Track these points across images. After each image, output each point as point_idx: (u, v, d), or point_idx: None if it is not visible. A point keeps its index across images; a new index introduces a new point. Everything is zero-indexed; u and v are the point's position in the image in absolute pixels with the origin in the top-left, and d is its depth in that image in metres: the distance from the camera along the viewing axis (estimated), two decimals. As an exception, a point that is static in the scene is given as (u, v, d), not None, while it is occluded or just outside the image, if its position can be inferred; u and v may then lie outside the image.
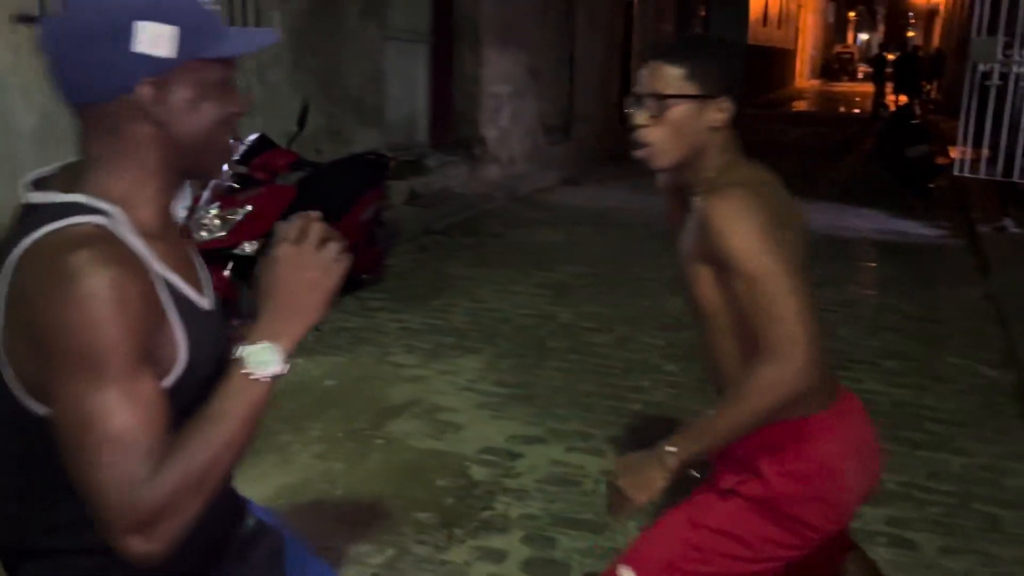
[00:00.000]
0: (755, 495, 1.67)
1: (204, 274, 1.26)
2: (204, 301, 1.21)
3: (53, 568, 1.17)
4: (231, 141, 4.70)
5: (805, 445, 1.66)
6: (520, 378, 4.35)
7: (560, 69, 11.87)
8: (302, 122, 4.92)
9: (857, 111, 24.36)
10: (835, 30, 49.90)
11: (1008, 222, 7.56)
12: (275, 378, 1.11)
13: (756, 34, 25.70)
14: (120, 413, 1.02)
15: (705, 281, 1.64)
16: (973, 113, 7.54)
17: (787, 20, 31.41)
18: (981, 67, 7.43)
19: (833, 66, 43.98)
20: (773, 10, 28.49)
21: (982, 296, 5.86)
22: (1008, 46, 7.32)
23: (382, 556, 2.84)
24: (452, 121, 9.64)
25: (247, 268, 4.52)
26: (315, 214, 1.18)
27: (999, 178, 7.51)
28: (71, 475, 1.04)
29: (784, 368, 1.46)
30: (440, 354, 4.65)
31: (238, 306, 4.41)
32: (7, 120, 4.47)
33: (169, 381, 1.12)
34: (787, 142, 15.79)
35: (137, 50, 1.07)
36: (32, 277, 1.04)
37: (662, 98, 1.61)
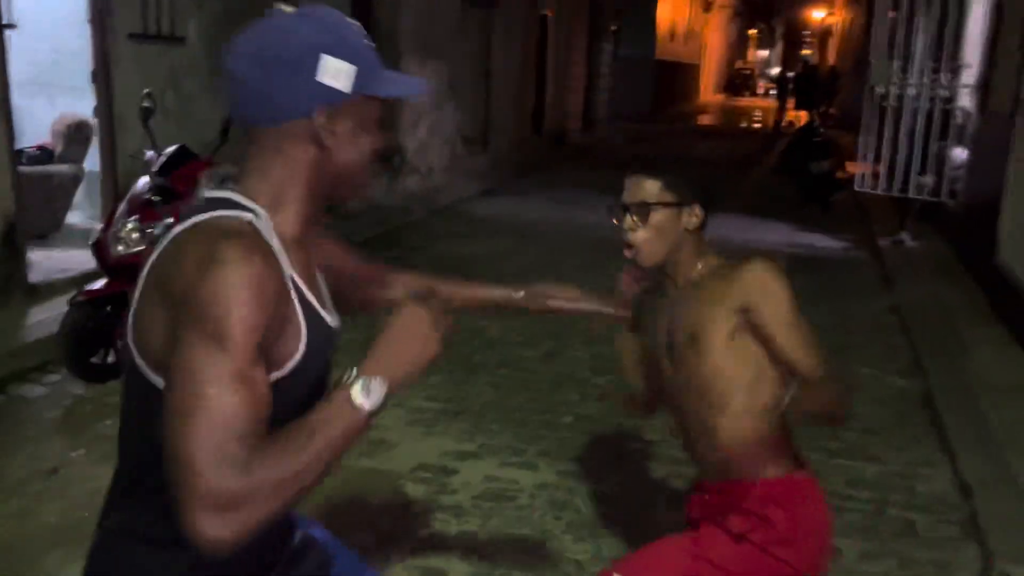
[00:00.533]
0: (763, 540, 1.84)
1: (327, 295, 1.35)
2: (328, 316, 1.30)
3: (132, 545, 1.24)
4: (150, 154, 4.56)
5: (806, 500, 1.90)
6: (450, 394, 4.35)
7: (477, 82, 11.94)
8: (225, 132, 4.79)
9: (759, 125, 25.28)
10: (737, 47, 51.65)
11: (905, 236, 7.97)
12: (372, 414, 1.15)
13: (664, 49, 26.39)
14: (231, 390, 1.06)
15: (712, 348, 1.83)
16: (873, 131, 7.92)
17: (692, 36, 32.37)
18: (879, 89, 7.82)
19: (735, 81, 45.51)
20: (680, 26, 29.33)
21: (888, 308, 6.16)
22: (903, 69, 7.73)
23: None
24: (370, 132, 9.58)
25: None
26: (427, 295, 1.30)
27: (896, 194, 7.91)
28: (167, 436, 1.07)
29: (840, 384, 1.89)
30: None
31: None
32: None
33: (281, 373, 1.18)
34: (696, 156, 16.24)
35: (320, 80, 1.19)
36: (184, 253, 1.13)
37: (646, 206, 1.88)
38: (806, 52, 45.31)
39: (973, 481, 3.47)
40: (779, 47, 60.24)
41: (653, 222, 1.89)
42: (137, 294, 1.20)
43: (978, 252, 6.39)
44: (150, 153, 4.64)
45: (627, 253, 1.93)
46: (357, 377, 1.16)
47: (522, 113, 13.69)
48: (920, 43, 7.80)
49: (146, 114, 4.58)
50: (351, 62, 1.21)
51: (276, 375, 1.18)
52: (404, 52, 9.57)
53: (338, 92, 1.21)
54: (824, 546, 1.93)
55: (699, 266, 1.93)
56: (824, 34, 42.05)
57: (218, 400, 1.06)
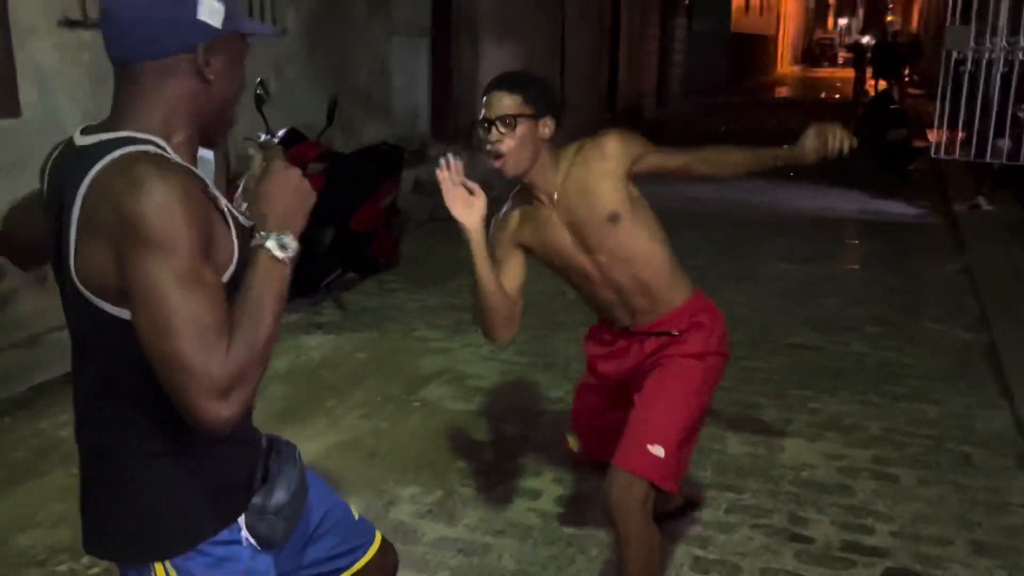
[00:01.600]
0: (715, 346, 2.38)
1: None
2: (243, 219, 1.37)
3: (145, 471, 1.38)
4: (265, 135, 5.07)
5: (710, 306, 2.45)
6: (538, 348, 4.74)
7: (552, 60, 12.23)
8: (331, 116, 5.27)
9: (838, 96, 24.82)
10: (815, 16, 50.34)
11: (981, 200, 8.01)
12: (293, 259, 1.30)
13: (739, 22, 26.11)
14: (192, 291, 1.16)
15: (627, 217, 2.25)
16: (948, 98, 7.95)
17: (768, 7, 31.82)
18: (955, 54, 7.84)
19: (814, 52, 44.40)
20: (755, -2, 28.91)
21: (958, 270, 6.30)
22: (980, 34, 7.74)
23: (432, 496, 3.24)
24: (452, 112, 10.00)
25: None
26: (279, 149, 1.50)
27: (973, 160, 7.93)
28: (150, 355, 1.17)
29: None
30: (461, 329, 5.03)
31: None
32: (53, 118, 4.80)
33: (225, 278, 1.28)
34: (771, 128, 16.19)
35: (199, 18, 1.29)
36: (108, 190, 1.20)
37: (512, 118, 2.13)
38: (890, 19, 43.87)
39: (1031, 420, 3.70)
40: (860, 14, 58.29)
41: (517, 133, 2.14)
42: (72, 240, 1.25)
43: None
44: (264, 136, 5.15)
45: (495, 164, 2.17)
46: (267, 237, 1.28)
47: (596, 90, 13.93)
48: (1003, 5, 7.77)
49: (260, 100, 5.09)
50: (221, 1, 1.31)
51: (223, 278, 1.27)
52: (482, 33, 9.96)
53: (214, 28, 1.30)
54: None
55: (560, 165, 2.25)
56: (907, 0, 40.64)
57: (185, 302, 1.15)
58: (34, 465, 3.41)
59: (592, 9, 13.40)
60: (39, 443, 3.60)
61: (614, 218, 2.22)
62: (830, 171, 10.89)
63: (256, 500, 1.47)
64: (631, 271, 2.29)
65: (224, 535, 1.43)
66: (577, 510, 3.13)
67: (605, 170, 2.21)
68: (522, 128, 2.15)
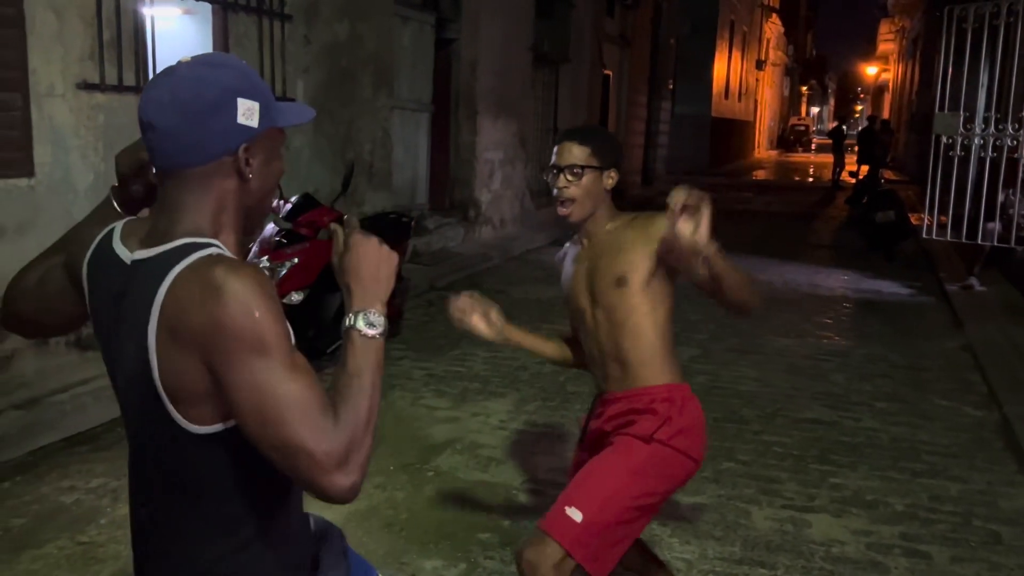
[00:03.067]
0: (667, 436, 2.27)
1: None
2: None
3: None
4: (277, 201, 5.06)
5: (689, 403, 2.35)
6: (548, 419, 4.68)
7: (545, 137, 12.47)
8: (346, 183, 5.29)
9: (812, 180, 25.43)
10: (789, 103, 51.98)
11: (974, 280, 8.14)
12: (383, 334, 1.33)
13: (719, 106, 26.87)
14: (295, 381, 1.20)
15: (634, 289, 2.26)
16: (938, 181, 8.14)
17: (747, 93, 32.83)
18: (944, 139, 8.08)
19: (789, 137, 45.67)
20: (734, 84, 29.82)
21: (959, 347, 6.35)
22: (968, 120, 7.99)
23: (456, 570, 3.13)
24: (449, 185, 10.11)
25: (293, 317, 4.82)
26: (355, 220, 1.48)
27: (964, 241, 8.09)
28: (264, 447, 1.21)
29: (755, 290, 2.17)
30: (468, 398, 4.97)
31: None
32: (66, 178, 4.78)
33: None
34: (755, 209, 16.52)
35: (239, 121, 1.31)
36: (187, 299, 1.22)
37: (579, 168, 2.26)
38: (858, 108, 45.27)
39: (1054, 499, 3.67)
40: (831, 103, 60.23)
41: (583, 182, 2.27)
42: (152, 351, 1.25)
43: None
44: (277, 201, 5.15)
45: (562, 210, 2.32)
46: (356, 318, 1.31)
47: (586, 168, 14.18)
48: (982, 95, 8.06)
49: (273, 166, 5.10)
50: (256, 99, 1.33)
51: None
52: (480, 111, 10.14)
53: (252, 129, 1.32)
54: (704, 439, 2.38)
55: (613, 221, 2.33)
56: (878, 91, 42.08)
57: (289, 393, 1.20)
58: (37, 532, 3.27)
59: (583, 90, 13.74)
60: (40, 509, 3.46)
61: (621, 282, 2.27)
62: (820, 252, 11.14)
63: None
64: (616, 336, 2.32)
65: None
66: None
67: (641, 240, 2.25)
68: (588, 178, 2.28)
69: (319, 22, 7.08)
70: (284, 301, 4.80)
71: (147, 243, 1.33)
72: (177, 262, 1.26)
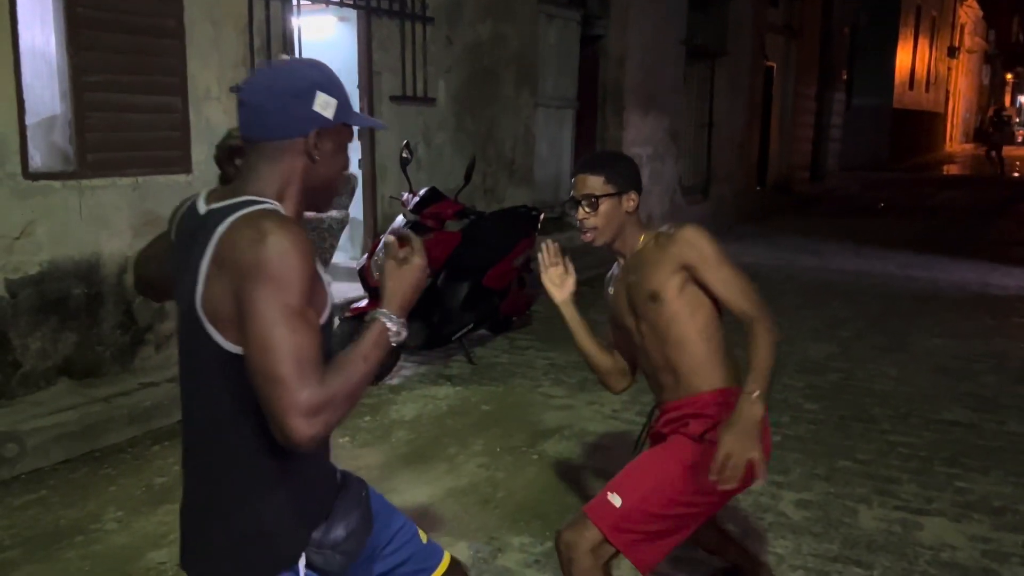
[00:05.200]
0: (716, 437, 2.17)
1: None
2: (328, 279, 1.62)
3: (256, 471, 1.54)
4: (407, 195, 5.32)
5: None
6: (663, 410, 4.64)
7: (699, 132, 12.23)
8: (468, 176, 5.48)
9: (1017, 175, 23.33)
10: (990, 93, 47.84)
11: None
12: (399, 342, 1.52)
13: (902, 97, 25.20)
14: (300, 327, 1.36)
15: (673, 279, 2.27)
16: None
17: (936, 83, 30.58)
18: None
19: (987, 129, 42.09)
20: (920, 73, 27.86)
21: None
22: None
23: (542, 547, 3.19)
24: (595, 181, 10.13)
25: (417, 304, 5.04)
26: (407, 234, 1.65)
27: None
28: (254, 371, 1.36)
29: (772, 324, 2.21)
30: (586, 387, 5.00)
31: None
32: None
33: (321, 321, 1.49)
34: (935, 205, 15.43)
35: (314, 109, 1.52)
36: (237, 238, 1.42)
37: (594, 198, 2.32)
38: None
39: None
40: (1041, 90, 54.92)
41: (601, 210, 2.32)
42: (202, 277, 1.45)
43: None
44: (406, 195, 5.41)
45: (584, 238, 2.38)
46: (390, 316, 1.51)
47: (745, 163, 13.75)
48: None
49: (404, 162, 5.37)
50: (335, 97, 1.54)
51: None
52: (627, 106, 10.10)
53: (326, 119, 1.53)
54: (765, 442, 2.24)
55: (642, 239, 2.37)
56: (1095, 74, 37.90)
57: (289, 331, 1.35)
58: (174, 490, 3.64)
59: (743, 82, 13.34)
60: (180, 470, 3.84)
61: (654, 297, 2.30)
62: (999, 247, 10.27)
63: (315, 535, 1.60)
64: (663, 348, 2.34)
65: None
66: (690, 573, 3.00)
67: (666, 255, 2.29)
68: (605, 206, 2.33)
69: (462, 23, 7.33)
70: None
71: (220, 199, 1.55)
72: (238, 211, 1.47)
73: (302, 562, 1.57)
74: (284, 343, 1.34)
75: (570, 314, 2.49)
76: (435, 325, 5.25)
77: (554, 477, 3.84)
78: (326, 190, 1.60)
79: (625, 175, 2.36)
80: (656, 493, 2.22)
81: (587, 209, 2.33)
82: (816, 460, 3.99)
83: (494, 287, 5.67)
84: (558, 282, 2.47)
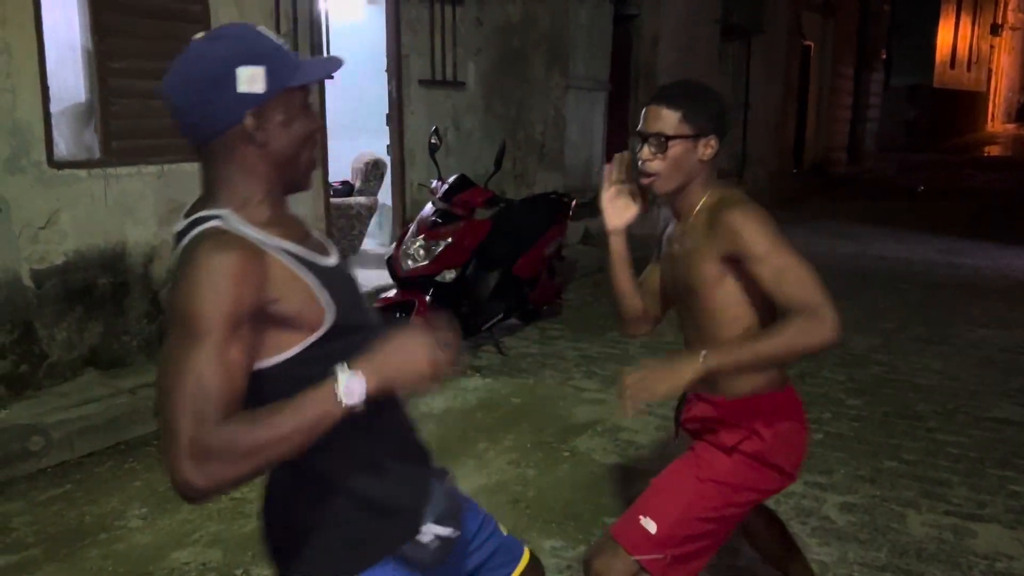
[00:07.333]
0: (752, 450, 2.04)
1: (328, 242, 1.50)
2: (328, 259, 1.42)
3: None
4: (436, 183, 5.20)
5: (785, 412, 2.09)
6: (699, 404, 4.50)
7: (733, 114, 11.97)
8: (499, 162, 5.34)
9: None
10: (1034, 71, 46.54)
11: None
12: (349, 408, 1.25)
13: (943, 77, 24.60)
14: (202, 366, 1.20)
15: (710, 276, 1.95)
16: None
17: (978, 62, 29.81)
18: None
19: (1031, 109, 40.98)
20: (962, 52, 27.16)
21: None
22: None
23: (575, 551, 3.08)
24: (627, 165, 9.95)
25: (447, 294, 4.96)
26: (445, 325, 1.40)
27: None
28: (161, 408, 1.23)
29: (822, 322, 1.77)
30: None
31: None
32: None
33: (324, 329, 1.33)
34: (975, 187, 15.03)
35: (240, 90, 1.32)
36: (176, 271, 1.31)
37: (665, 138, 1.92)
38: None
39: None
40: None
41: (671, 154, 1.92)
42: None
43: None
44: (435, 182, 5.29)
45: (643, 182, 1.98)
46: (345, 372, 1.25)
47: (781, 145, 13.46)
48: None
49: (433, 148, 5.24)
50: (262, 63, 1.32)
51: (318, 333, 1.33)
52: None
53: (257, 95, 1.32)
54: (802, 451, 2.12)
55: (703, 200, 1.97)
56: None
57: (191, 375, 1.20)
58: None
59: (778, 63, 13.03)
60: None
61: (692, 292, 2.03)
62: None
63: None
64: (701, 338, 2.05)
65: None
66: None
67: (710, 243, 1.93)
68: (676, 149, 1.93)
69: (491, 4, 7.17)
70: (437, 279, 4.93)
71: (188, 214, 1.39)
72: (184, 237, 1.34)
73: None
74: (182, 390, 1.20)
75: (618, 247, 2.09)
76: (465, 315, 5.14)
77: (587, 475, 3.72)
78: (291, 165, 1.39)
79: (708, 114, 1.94)
80: (691, 512, 2.04)
81: (653, 150, 1.93)
82: (860, 460, 3.83)
83: (524, 276, 5.55)
84: (620, 204, 2.06)
